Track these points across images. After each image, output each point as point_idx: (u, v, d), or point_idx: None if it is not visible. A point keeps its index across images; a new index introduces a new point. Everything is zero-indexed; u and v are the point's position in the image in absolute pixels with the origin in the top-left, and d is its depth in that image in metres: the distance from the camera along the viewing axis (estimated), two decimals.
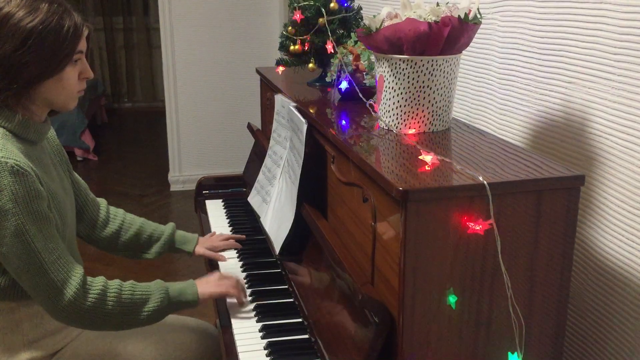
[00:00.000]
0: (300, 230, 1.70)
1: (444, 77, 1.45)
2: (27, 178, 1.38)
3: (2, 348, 1.53)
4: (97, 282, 1.48)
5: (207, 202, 2.44)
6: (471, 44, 1.53)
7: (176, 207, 4.63)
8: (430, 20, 1.39)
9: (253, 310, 1.65)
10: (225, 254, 1.97)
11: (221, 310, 1.67)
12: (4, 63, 1.39)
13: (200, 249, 1.95)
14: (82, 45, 1.48)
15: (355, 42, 1.92)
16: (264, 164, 2.07)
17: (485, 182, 1.14)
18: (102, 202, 1.87)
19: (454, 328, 1.21)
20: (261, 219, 1.96)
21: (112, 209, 1.88)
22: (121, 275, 3.34)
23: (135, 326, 1.54)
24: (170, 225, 1.93)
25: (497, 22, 1.80)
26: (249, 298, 1.71)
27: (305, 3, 2.03)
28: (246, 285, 1.79)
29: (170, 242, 1.90)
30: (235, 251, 2.00)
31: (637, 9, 1.31)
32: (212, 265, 1.94)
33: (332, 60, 2.00)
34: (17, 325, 1.53)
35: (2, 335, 1.53)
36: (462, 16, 1.40)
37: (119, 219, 1.85)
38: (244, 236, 2.05)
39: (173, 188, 4.96)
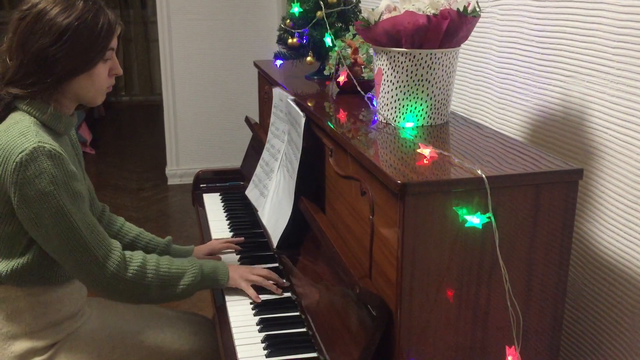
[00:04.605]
0: (298, 223, 1.70)
1: (442, 70, 1.45)
2: (63, 161, 1.42)
3: (3, 336, 1.54)
4: (137, 256, 1.54)
5: (205, 195, 2.44)
6: (470, 37, 1.52)
7: (173, 201, 4.62)
8: (429, 13, 1.39)
9: (250, 303, 1.65)
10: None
11: (218, 304, 1.67)
12: (39, 57, 1.43)
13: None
14: (114, 42, 1.52)
15: (354, 35, 1.92)
16: (261, 158, 2.07)
17: (483, 176, 1.14)
18: (104, 207, 1.87)
19: (451, 321, 1.21)
20: (259, 213, 1.96)
21: (113, 215, 1.89)
22: None
23: (171, 299, 1.59)
24: (167, 238, 1.92)
25: (496, 15, 1.80)
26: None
27: None
28: None
29: (164, 254, 1.87)
30: None
31: (635, 2, 1.30)
32: None
33: (330, 53, 1.99)
34: (20, 314, 1.54)
35: (4, 323, 1.54)
36: (461, 9, 1.39)
37: (118, 224, 1.86)
38: (242, 238, 2.01)
39: (170, 182, 4.95)
